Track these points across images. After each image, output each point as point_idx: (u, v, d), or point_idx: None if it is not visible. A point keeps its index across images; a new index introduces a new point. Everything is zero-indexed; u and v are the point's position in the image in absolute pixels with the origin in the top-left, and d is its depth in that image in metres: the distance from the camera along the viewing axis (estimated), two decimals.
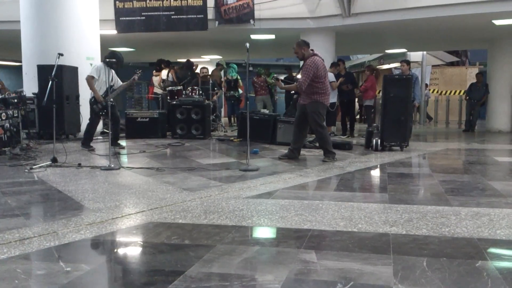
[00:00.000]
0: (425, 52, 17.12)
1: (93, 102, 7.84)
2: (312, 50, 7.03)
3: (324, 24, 11.48)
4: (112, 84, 7.71)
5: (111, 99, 7.34)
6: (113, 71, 7.77)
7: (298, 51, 7.01)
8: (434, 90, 19.28)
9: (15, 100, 8.28)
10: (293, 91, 8.28)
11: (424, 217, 3.84)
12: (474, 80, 14.19)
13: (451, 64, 21.00)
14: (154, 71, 13.15)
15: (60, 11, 9.81)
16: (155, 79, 12.93)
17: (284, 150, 7.57)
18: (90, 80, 7.77)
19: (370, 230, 3.49)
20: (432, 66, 19.30)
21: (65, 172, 5.98)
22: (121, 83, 8.06)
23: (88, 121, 8.16)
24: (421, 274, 2.62)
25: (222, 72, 14.65)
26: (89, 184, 5.23)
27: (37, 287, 2.55)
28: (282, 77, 11.40)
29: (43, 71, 8.89)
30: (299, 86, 6.86)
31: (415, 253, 2.98)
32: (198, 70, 13.36)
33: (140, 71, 8.01)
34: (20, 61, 10.51)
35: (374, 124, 9.65)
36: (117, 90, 7.89)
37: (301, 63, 7.20)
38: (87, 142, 8.03)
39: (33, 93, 9.55)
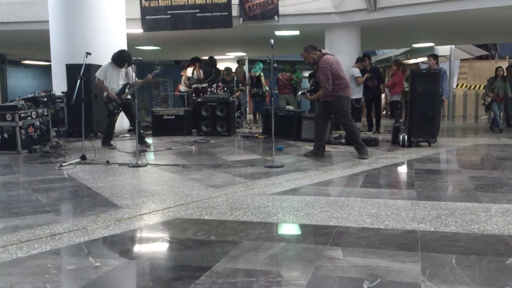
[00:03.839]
0: (453, 46, 16.79)
1: (107, 101, 7.93)
2: (320, 50, 6.97)
3: (349, 19, 11.37)
4: (126, 82, 7.79)
5: (128, 97, 7.40)
6: (130, 69, 7.84)
7: (308, 57, 6.93)
8: (462, 84, 18.91)
9: (45, 99, 8.46)
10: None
11: (453, 213, 3.77)
12: (504, 74, 13.81)
13: (480, 57, 20.55)
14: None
15: (88, 11, 9.98)
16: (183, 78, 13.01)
17: (309, 147, 7.53)
18: (99, 81, 7.89)
19: (397, 227, 3.45)
20: (461, 60, 18.92)
21: (93, 169, 6.09)
22: (137, 79, 8.13)
23: (107, 121, 8.25)
24: (450, 272, 2.58)
25: (245, 68, 14.65)
26: (117, 181, 5.32)
27: (67, 282, 2.61)
28: (307, 74, 11.38)
29: (72, 70, 9.06)
30: (325, 90, 6.81)
31: (444, 250, 2.94)
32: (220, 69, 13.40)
33: (160, 67, 8.06)
34: (49, 61, 10.74)
35: (401, 120, 9.51)
36: (132, 89, 7.93)
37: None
38: (107, 140, 8.07)
39: (62, 92, 9.75)
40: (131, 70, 7.98)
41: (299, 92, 7.65)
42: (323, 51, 7.00)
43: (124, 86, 7.87)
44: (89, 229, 3.46)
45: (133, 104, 7.16)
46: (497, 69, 11.82)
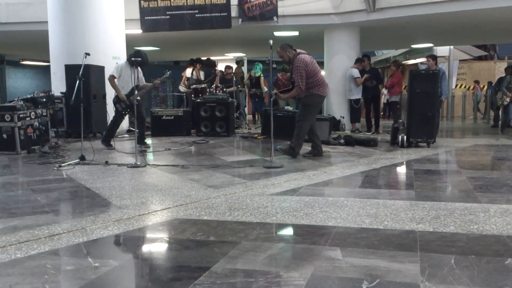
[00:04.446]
0: (452, 47, 16.81)
1: (116, 101, 7.93)
2: (295, 50, 6.94)
3: (349, 20, 11.38)
4: (137, 83, 7.79)
5: (138, 98, 7.41)
6: (139, 69, 7.83)
7: (284, 55, 6.88)
8: (461, 85, 18.94)
9: (44, 100, 8.46)
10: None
11: (452, 214, 3.78)
12: (503, 75, 13.83)
13: (479, 58, 20.58)
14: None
15: (87, 11, 9.98)
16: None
17: (308, 147, 7.53)
18: (112, 79, 7.89)
19: (396, 227, 3.45)
20: (460, 60, 18.95)
21: (92, 169, 6.08)
22: (145, 82, 8.12)
23: (111, 119, 8.26)
24: (449, 272, 2.58)
25: (244, 69, 14.63)
26: (116, 181, 5.31)
27: (66, 282, 2.61)
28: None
29: (71, 70, 9.04)
30: (298, 89, 6.80)
31: (443, 250, 2.94)
32: (221, 69, 13.40)
33: (169, 72, 8.05)
34: (48, 61, 10.73)
35: (400, 120, 9.52)
36: (141, 92, 7.94)
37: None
38: (107, 139, 8.08)
39: (61, 92, 9.74)
40: (141, 72, 7.98)
41: (272, 92, 7.68)
42: (298, 50, 6.95)
43: (133, 88, 7.84)
44: (88, 230, 3.46)
45: (142, 105, 7.15)
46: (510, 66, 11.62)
